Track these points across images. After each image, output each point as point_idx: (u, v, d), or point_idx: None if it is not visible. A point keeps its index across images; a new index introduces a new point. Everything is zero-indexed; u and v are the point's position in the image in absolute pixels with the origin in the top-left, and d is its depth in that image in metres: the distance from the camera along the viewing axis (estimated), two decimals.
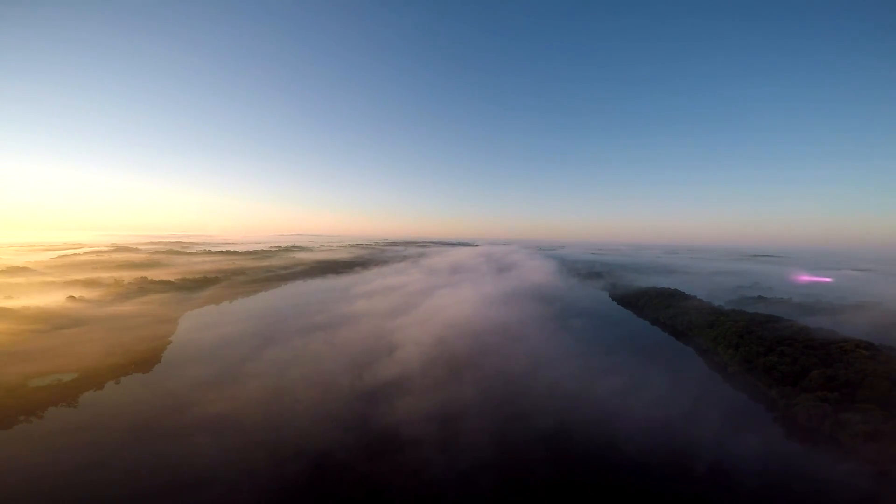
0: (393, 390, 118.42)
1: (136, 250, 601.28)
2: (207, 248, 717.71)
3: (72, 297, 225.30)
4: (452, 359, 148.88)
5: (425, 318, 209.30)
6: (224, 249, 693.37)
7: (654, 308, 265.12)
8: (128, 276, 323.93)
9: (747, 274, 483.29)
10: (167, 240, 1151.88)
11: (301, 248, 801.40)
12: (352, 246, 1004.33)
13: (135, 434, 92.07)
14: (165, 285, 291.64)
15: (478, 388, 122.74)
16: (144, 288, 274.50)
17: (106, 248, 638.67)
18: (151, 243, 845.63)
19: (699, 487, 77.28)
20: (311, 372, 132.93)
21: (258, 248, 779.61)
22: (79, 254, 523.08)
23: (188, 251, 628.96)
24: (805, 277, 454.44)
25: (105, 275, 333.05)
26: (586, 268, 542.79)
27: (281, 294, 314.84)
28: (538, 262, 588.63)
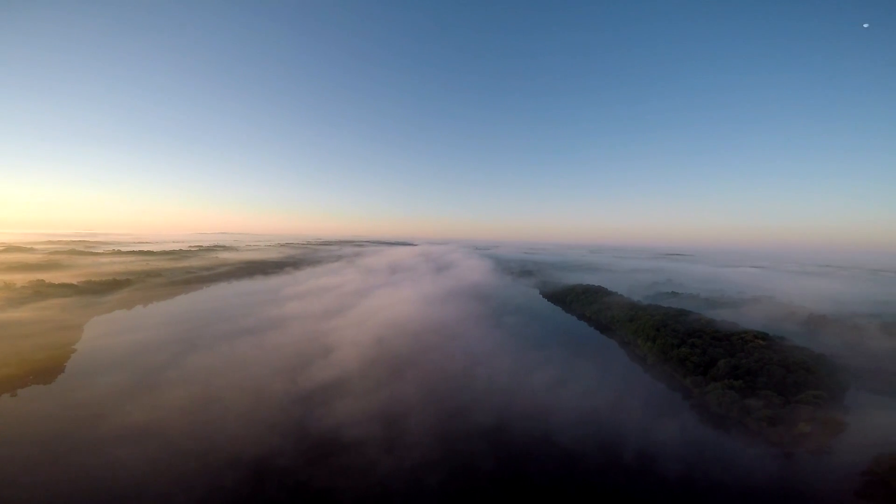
0: (331, 393, 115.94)
1: (30, 250, 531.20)
2: (117, 248, 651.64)
3: None
4: (393, 358, 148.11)
5: (363, 318, 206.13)
6: (136, 249, 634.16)
7: (581, 304, 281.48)
8: (20, 278, 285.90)
9: (662, 271, 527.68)
10: (69, 238, 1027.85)
11: (225, 248, 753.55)
12: (282, 245, 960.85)
13: (45, 448, 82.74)
14: (67, 289, 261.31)
15: (419, 387, 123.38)
16: (41, 292, 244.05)
17: None
18: (50, 242, 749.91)
19: (629, 474, 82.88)
20: (241, 378, 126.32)
21: (176, 247, 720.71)
22: None
23: (94, 251, 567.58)
24: (711, 274, 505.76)
25: None
26: (519, 266, 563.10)
27: (203, 297, 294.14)
28: (475, 261, 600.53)
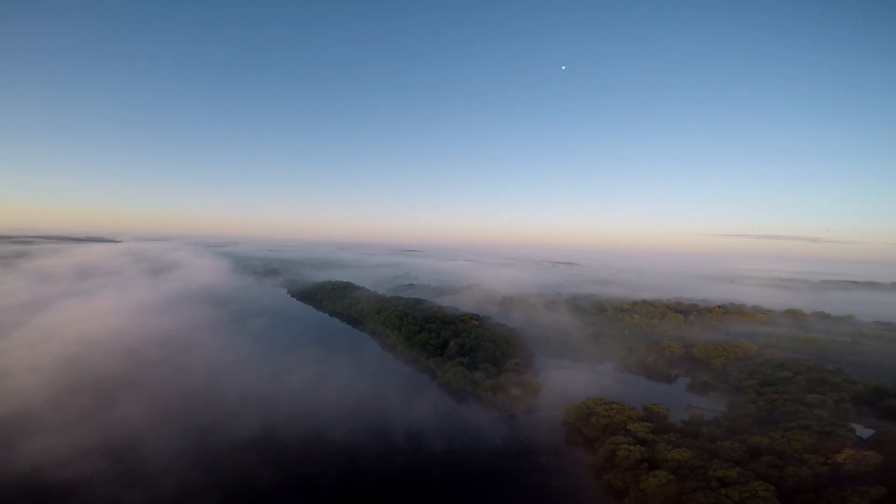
0: (10, 432, 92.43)
1: None
2: None
3: None
4: (100, 381, 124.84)
5: (41, 337, 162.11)
6: None
7: (332, 300, 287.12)
8: None
9: (400, 266, 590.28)
10: None
11: None
12: None
13: None
14: None
15: (149, 409, 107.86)
16: None
17: None
18: None
19: (405, 454, 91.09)
20: None
21: None
22: None
23: None
24: (437, 267, 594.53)
25: None
26: (263, 265, 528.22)
27: None
28: (207, 260, 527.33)
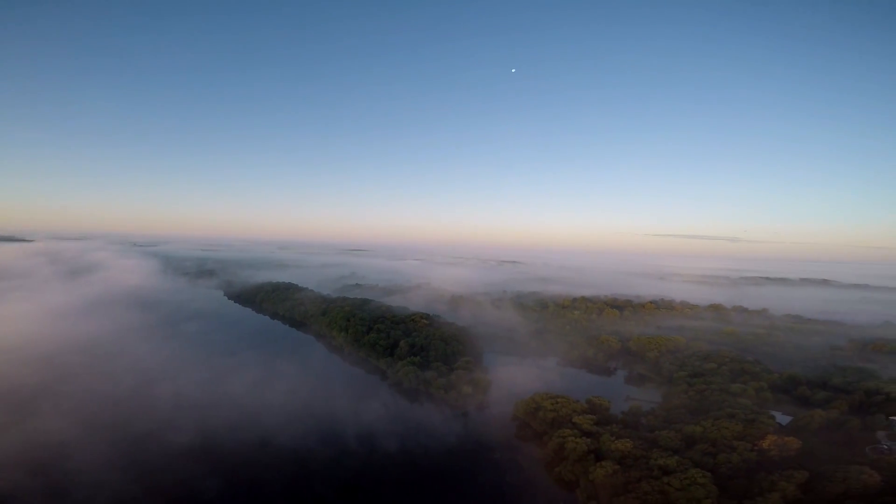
0: None
1: None
2: None
3: None
4: (13, 391, 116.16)
5: None
6: None
7: (273, 302, 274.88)
8: None
9: (347, 266, 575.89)
10: None
11: None
12: None
13: None
14: None
15: (72, 419, 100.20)
16: None
17: None
18: None
19: (359, 457, 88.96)
20: None
21: None
22: None
23: None
24: (386, 266, 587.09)
25: None
26: (196, 266, 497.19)
27: None
28: (133, 261, 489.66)
